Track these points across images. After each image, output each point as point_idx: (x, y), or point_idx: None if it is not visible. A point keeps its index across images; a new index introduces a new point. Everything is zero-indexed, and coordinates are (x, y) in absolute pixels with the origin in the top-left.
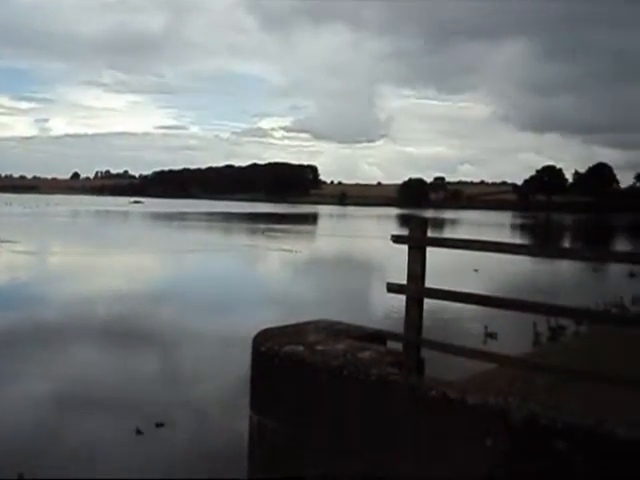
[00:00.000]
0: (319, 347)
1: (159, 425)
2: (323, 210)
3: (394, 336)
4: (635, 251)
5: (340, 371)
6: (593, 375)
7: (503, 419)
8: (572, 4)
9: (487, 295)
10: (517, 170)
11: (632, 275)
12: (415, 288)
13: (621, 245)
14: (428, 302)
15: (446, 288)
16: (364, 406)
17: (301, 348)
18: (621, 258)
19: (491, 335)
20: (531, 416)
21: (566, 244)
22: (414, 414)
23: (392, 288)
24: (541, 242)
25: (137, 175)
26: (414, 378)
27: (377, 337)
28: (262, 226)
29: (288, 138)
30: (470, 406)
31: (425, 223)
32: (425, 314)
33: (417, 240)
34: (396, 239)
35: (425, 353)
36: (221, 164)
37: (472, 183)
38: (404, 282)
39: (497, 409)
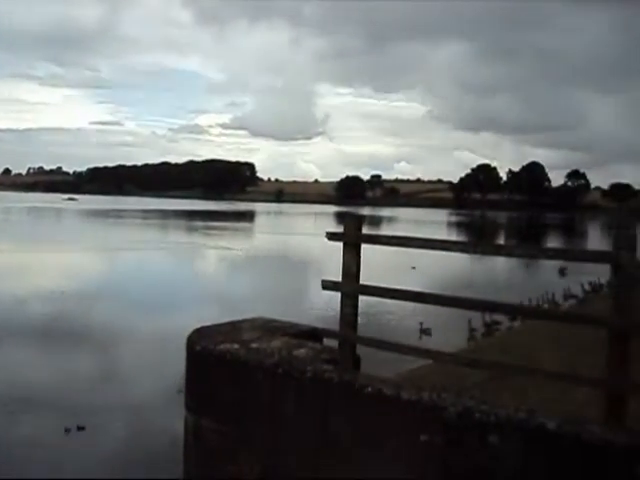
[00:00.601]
0: (254, 345)
1: (90, 426)
2: (260, 207)
3: (329, 333)
4: (565, 248)
5: (275, 369)
6: (525, 370)
7: (438, 415)
8: (508, 7)
9: (421, 292)
10: (453, 168)
11: (562, 272)
12: (350, 285)
13: (552, 242)
14: (365, 299)
15: (381, 285)
16: (300, 404)
17: (236, 346)
18: (551, 254)
19: (427, 331)
20: (465, 411)
21: (500, 241)
22: (350, 411)
23: (327, 285)
24: (476, 239)
25: (71, 172)
26: (349, 375)
27: (313, 334)
28: (199, 223)
29: (225, 135)
30: (405, 402)
31: (360, 220)
32: (362, 311)
33: (352, 237)
34: (331, 236)
35: (362, 350)
36: (157, 161)
37: (408, 181)
38: (339, 279)
39: (431, 405)
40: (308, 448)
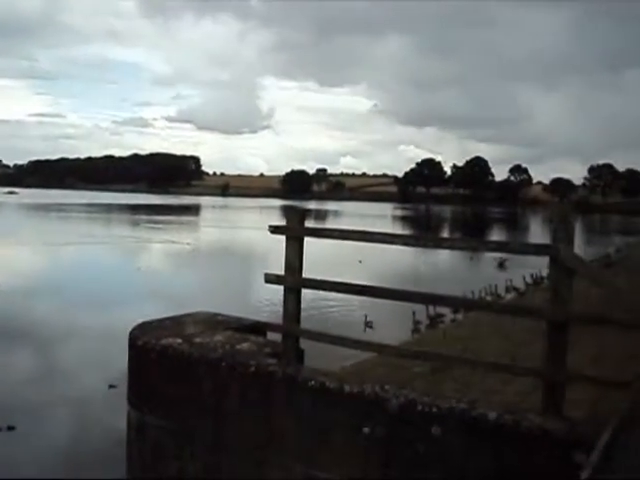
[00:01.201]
0: (197, 339)
1: (21, 425)
2: (206, 201)
3: (273, 327)
4: (505, 241)
5: (219, 363)
6: (466, 361)
7: (380, 407)
8: (453, 3)
9: (363, 284)
10: (398, 163)
11: (501, 265)
12: (292, 279)
13: (496, 235)
14: (311, 293)
15: (324, 278)
16: (244, 398)
17: (179, 341)
18: (492, 247)
19: (372, 324)
20: (407, 403)
21: (445, 234)
22: (293, 404)
23: (270, 279)
24: (421, 232)
25: (11, 165)
26: (293, 369)
27: (256, 328)
28: (143, 217)
29: (170, 128)
30: (348, 395)
31: (302, 214)
32: (308, 304)
33: (294, 230)
34: (274, 230)
35: (309, 344)
36: (101, 154)
37: (354, 175)
38: (282, 273)
39: (374, 397)
40: (252, 442)
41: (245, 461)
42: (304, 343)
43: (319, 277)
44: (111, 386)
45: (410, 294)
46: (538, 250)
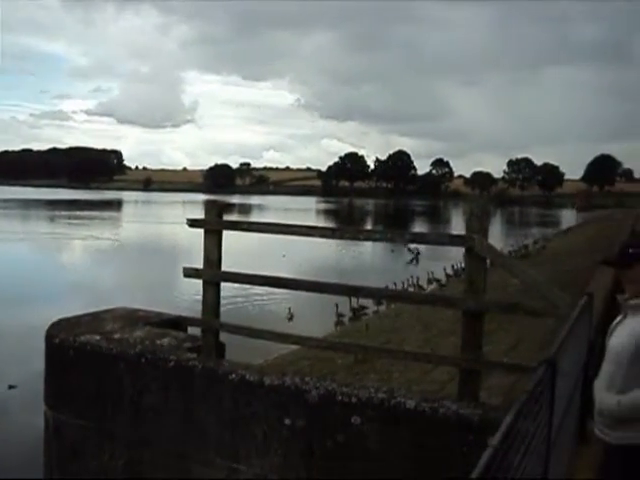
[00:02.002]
0: (117, 335)
1: None
2: (128, 196)
3: (193, 321)
4: (422, 232)
5: (138, 359)
6: (385, 351)
7: (301, 398)
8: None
9: (282, 277)
10: (321, 156)
11: (416, 257)
12: (211, 272)
13: (418, 228)
14: (235, 286)
15: (243, 271)
16: (165, 393)
17: (97, 337)
18: (409, 238)
19: (293, 317)
20: (327, 394)
21: (368, 227)
22: (214, 398)
23: (188, 273)
24: (344, 225)
25: None
26: (213, 362)
27: (177, 323)
28: (64, 213)
29: (91, 122)
30: (268, 387)
31: (220, 207)
32: (232, 298)
33: (212, 224)
34: (192, 223)
35: (234, 338)
36: (18, 148)
37: (277, 169)
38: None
39: (294, 389)
40: (174, 437)
41: (167, 457)
42: (230, 337)
43: (235, 270)
44: (11, 387)
45: (328, 285)
46: (453, 241)
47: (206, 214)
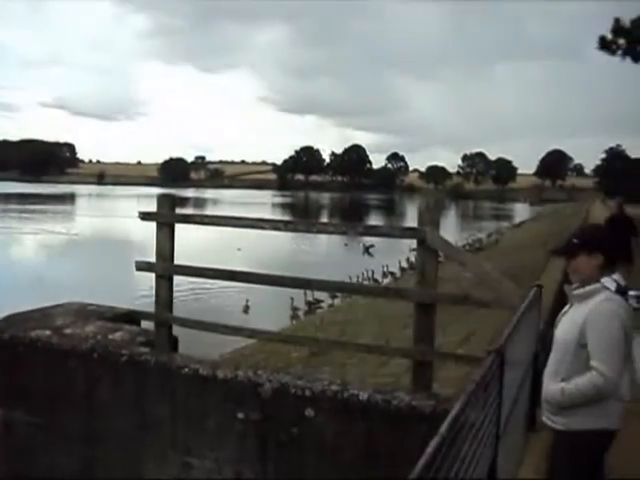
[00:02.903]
0: (68, 331)
1: None
2: (81, 190)
3: (145, 315)
4: (374, 225)
5: (90, 354)
6: (340, 344)
7: (254, 391)
8: None
9: (235, 270)
10: (277, 150)
11: (367, 250)
12: (163, 265)
13: (374, 221)
14: (192, 280)
15: (195, 265)
16: (117, 388)
17: (48, 332)
18: (361, 231)
19: (251, 311)
20: (281, 387)
21: (323, 221)
22: (168, 393)
23: (141, 266)
24: (299, 219)
25: None
26: (166, 357)
27: (130, 317)
28: (14, 207)
29: (43, 114)
30: (221, 381)
31: (173, 200)
32: (188, 292)
33: (164, 217)
34: (144, 216)
35: (191, 332)
36: None
37: (233, 162)
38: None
39: (247, 382)
40: (127, 432)
41: (121, 452)
42: (189, 332)
43: (188, 263)
44: None
45: (280, 278)
46: (405, 233)
47: (158, 207)
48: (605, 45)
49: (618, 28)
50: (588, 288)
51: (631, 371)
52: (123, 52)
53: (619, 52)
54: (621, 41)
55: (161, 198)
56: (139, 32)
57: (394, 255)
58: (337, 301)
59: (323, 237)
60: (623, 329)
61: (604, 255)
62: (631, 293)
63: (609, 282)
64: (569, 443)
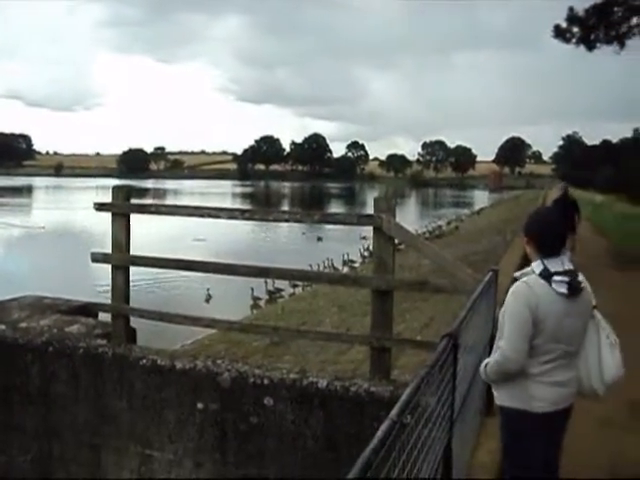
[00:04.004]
0: (23, 324)
1: None
2: (39, 182)
3: (102, 307)
4: (331, 212)
5: (46, 348)
6: (299, 332)
7: (213, 381)
8: None
9: (192, 260)
10: (237, 140)
11: (319, 239)
12: (120, 256)
13: (334, 210)
14: (154, 271)
15: (151, 255)
16: (74, 381)
17: (3, 327)
18: (317, 219)
19: (213, 301)
20: (239, 376)
21: (284, 209)
22: (126, 385)
23: (96, 258)
24: (259, 208)
25: None
26: (123, 348)
27: (87, 309)
28: None
29: None
30: (180, 372)
31: (128, 191)
32: (150, 283)
33: (120, 207)
34: (99, 207)
35: (156, 324)
36: None
37: (193, 153)
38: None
39: (206, 372)
40: (85, 426)
41: (79, 447)
42: (151, 324)
43: (144, 254)
44: None
45: (239, 267)
46: (361, 220)
47: (113, 198)
48: (559, 33)
49: (572, 17)
50: (522, 272)
51: (597, 364)
52: (79, 43)
53: (573, 40)
54: (575, 29)
55: (116, 189)
56: (95, 22)
57: (357, 243)
58: (298, 290)
59: (284, 227)
60: (529, 310)
61: (533, 240)
62: (555, 278)
63: (537, 265)
64: (501, 417)
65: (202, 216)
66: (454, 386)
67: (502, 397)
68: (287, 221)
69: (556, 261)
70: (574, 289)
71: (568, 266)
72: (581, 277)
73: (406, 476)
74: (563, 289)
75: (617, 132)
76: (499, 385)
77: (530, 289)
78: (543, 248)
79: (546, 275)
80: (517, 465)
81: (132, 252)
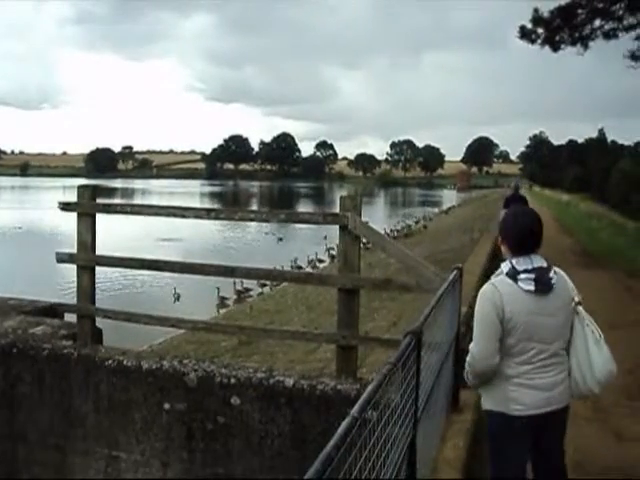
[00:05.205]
0: None
1: None
2: (4, 182)
3: (68, 307)
4: (296, 211)
5: (10, 349)
6: (265, 331)
7: (180, 381)
8: None
9: (158, 260)
10: (205, 139)
11: (280, 239)
12: (85, 256)
13: (303, 208)
14: (122, 272)
15: (117, 255)
16: (39, 383)
17: None
18: (283, 218)
19: (181, 301)
20: (206, 376)
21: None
22: (91, 386)
23: (62, 258)
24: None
25: None
26: (89, 349)
27: (52, 310)
28: None
29: None
30: (146, 372)
31: (94, 190)
32: (118, 284)
33: (85, 207)
34: (64, 207)
35: (126, 325)
36: None
37: (161, 152)
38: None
39: (173, 372)
40: (50, 429)
41: (44, 449)
42: (118, 325)
43: (109, 253)
44: None
45: (205, 267)
46: (327, 219)
47: (78, 197)
48: (525, 34)
49: (537, 18)
50: (495, 274)
51: (587, 363)
52: (45, 40)
53: (538, 41)
54: (540, 31)
55: (81, 188)
56: (61, 19)
57: (329, 243)
58: (267, 289)
59: (253, 227)
60: (494, 310)
61: (506, 239)
62: (521, 276)
63: (505, 265)
64: (488, 422)
65: (168, 215)
66: (418, 383)
67: (485, 400)
68: (253, 220)
69: (525, 260)
70: (541, 286)
71: (538, 264)
72: (553, 274)
73: (368, 472)
74: (530, 286)
75: (583, 132)
76: (482, 389)
77: (495, 289)
78: (514, 248)
79: (512, 274)
80: (498, 468)
81: (100, 252)
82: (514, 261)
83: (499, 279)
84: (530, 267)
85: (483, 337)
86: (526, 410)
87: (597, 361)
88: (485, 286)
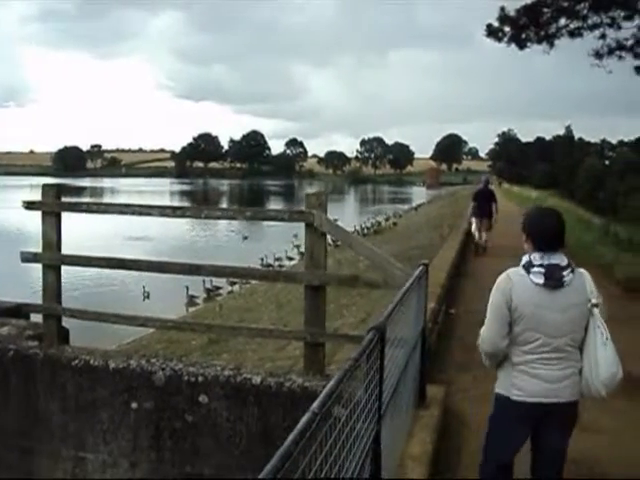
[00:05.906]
0: None
1: None
2: None
3: (34, 307)
4: (262, 209)
5: None
6: (232, 329)
7: (147, 380)
8: None
9: (124, 258)
10: (175, 137)
11: (245, 238)
12: (50, 255)
13: (273, 206)
14: (92, 271)
15: (83, 254)
16: (5, 384)
17: None
18: (249, 215)
19: (151, 300)
20: (174, 374)
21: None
22: (58, 386)
23: (27, 257)
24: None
25: None
26: (55, 349)
27: (17, 311)
28: None
29: None
30: (113, 371)
31: (58, 188)
32: (90, 282)
33: (49, 205)
34: (28, 205)
35: (95, 325)
36: None
37: (130, 150)
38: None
39: (140, 371)
40: (17, 430)
41: (9, 451)
42: (88, 325)
43: (75, 253)
44: None
45: (169, 265)
46: (293, 216)
47: (43, 196)
48: (491, 32)
49: (503, 16)
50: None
51: (595, 364)
52: (9, 38)
53: (505, 40)
54: (507, 29)
55: (46, 187)
56: (25, 16)
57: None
58: (237, 288)
59: (222, 226)
60: (502, 297)
61: (531, 237)
62: (534, 269)
63: (525, 257)
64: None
65: (134, 213)
66: (382, 378)
67: (497, 384)
68: (219, 218)
69: (543, 255)
70: (551, 281)
71: (556, 261)
72: (569, 272)
73: (330, 467)
74: (539, 279)
75: (550, 129)
76: (497, 372)
77: (508, 278)
78: (539, 246)
79: (527, 266)
80: (488, 449)
81: (67, 252)
82: (533, 255)
83: (514, 269)
84: (545, 262)
85: (490, 320)
86: (525, 397)
87: (602, 363)
88: (501, 275)
